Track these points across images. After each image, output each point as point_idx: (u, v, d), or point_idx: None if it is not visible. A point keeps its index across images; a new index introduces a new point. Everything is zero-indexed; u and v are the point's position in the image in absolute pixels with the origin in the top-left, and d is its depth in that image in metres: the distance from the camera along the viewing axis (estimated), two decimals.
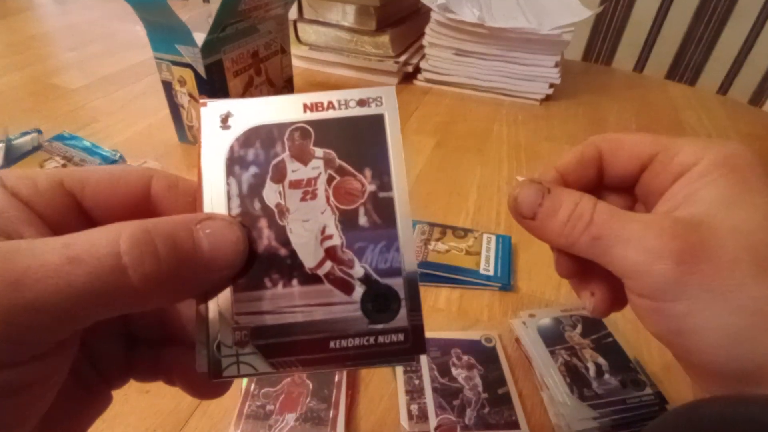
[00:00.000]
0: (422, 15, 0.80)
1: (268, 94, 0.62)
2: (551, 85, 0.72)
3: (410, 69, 0.78)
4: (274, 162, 0.17)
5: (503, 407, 0.31)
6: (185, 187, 0.18)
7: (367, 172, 0.17)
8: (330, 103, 0.18)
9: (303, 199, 0.17)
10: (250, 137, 0.17)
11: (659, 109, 0.75)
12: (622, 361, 0.33)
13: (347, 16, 0.73)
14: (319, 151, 0.17)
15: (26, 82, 0.72)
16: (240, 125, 0.17)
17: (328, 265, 0.17)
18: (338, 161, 0.17)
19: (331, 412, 0.30)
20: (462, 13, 0.69)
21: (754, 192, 0.18)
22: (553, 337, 0.35)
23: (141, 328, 0.19)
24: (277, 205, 0.17)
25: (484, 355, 0.34)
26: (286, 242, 0.17)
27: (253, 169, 0.17)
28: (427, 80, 0.77)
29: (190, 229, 0.15)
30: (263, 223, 0.17)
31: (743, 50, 0.83)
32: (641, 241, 0.18)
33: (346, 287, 0.17)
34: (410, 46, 0.80)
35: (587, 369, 0.32)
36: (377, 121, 0.18)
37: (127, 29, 0.93)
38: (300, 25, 0.77)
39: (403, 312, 0.17)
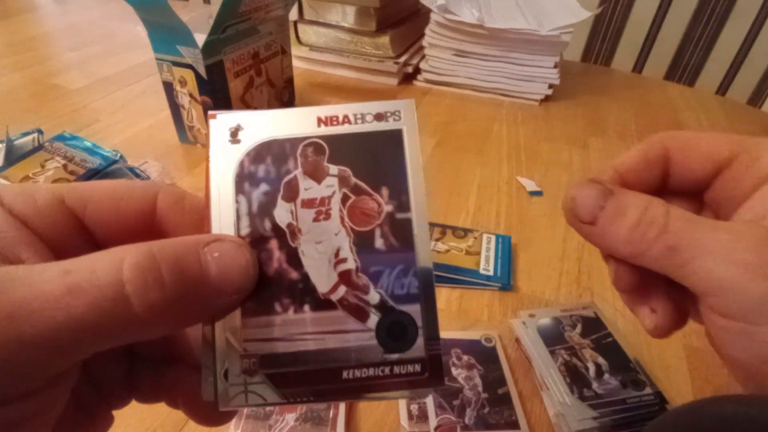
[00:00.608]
0: (422, 16, 0.80)
1: (269, 94, 0.62)
2: (550, 86, 0.73)
3: (410, 70, 0.78)
4: (286, 179, 0.16)
5: (503, 407, 0.31)
6: (192, 204, 0.17)
7: (384, 192, 0.16)
8: (345, 117, 0.17)
9: (316, 220, 0.16)
10: (261, 152, 0.16)
11: (658, 109, 0.76)
12: (622, 361, 0.33)
13: (347, 17, 0.73)
14: (333, 169, 0.16)
15: (27, 83, 0.72)
16: (250, 139, 0.17)
17: (342, 290, 0.16)
18: (354, 179, 0.16)
19: (331, 411, 0.30)
20: (461, 14, 0.69)
21: None
22: (553, 337, 0.35)
23: (144, 347, 0.18)
24: (289, 226, 0.16)
25: (484, 355, 0.34)
26: (297, 265, 0.16)
27: (263, 187, 0.16)
28: (427, 81, 0.77)
29: (198, 253, 0.14)
30: (274, 244, 0.16)
31: (742, 51, 0.83)
32: (731, 254, 0.16)
33: (361, 314, 0.16)
34: (410, 46, 0.80)
35: (587, 369, 0.32)
36: (395, 136, 0.17)
37: (128, 30, 0.93)
38: (300, 26, 0.77)
39: (420, 341, 0.16)
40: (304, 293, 0.16)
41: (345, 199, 0.16)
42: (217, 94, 0.53)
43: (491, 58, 0.72)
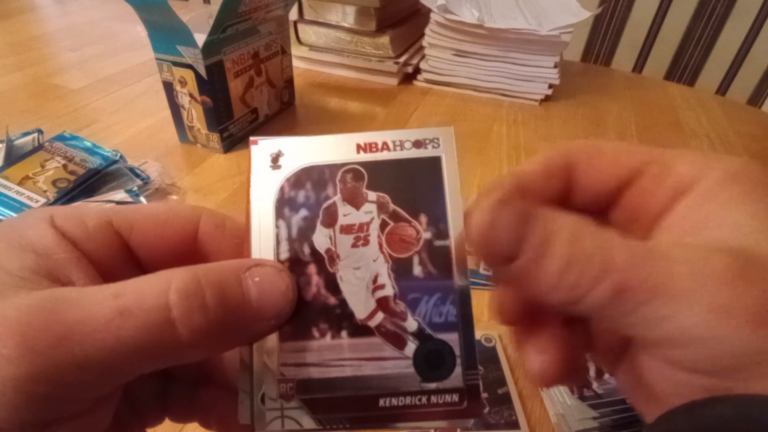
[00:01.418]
0: (422, 16, 0.80)
1: (269, 94, 0.62)
2: (550, 86, 0.73)
3: (410, 70, 0.78)
4: (325, 205, 0.16)
5: (503, 407, 0.31)
6: (233, 228, 0.17)
7: (423, 219, 0.16)
8: (384, 143, 0.17)
9: (354, 245, 0.16)
10: (300, 178, 0.17)
11: (658, 109, 0.75)
12: None
13: (347, 17, 0.73)
14: (372, 195, 0.16)
15: (27, 83, 0.72)
16: (291, 165, 0.17)
17: (380, 316, 0.16)
18: (392, 206, 0.16)
19: None
20: (461, 14, 0.69)
21: None
22: None
23: (178, 368, 0.18)
24: (327, 251, 0.16)
25: (484, 355, 0.34)
26: (335, 290, 0.16)
27: (303, 212, 0.16)
28: (427, 81, 0.77)
29: (240, 277, 0.14)
30: (312, 269, 0.16)
31: (742, 50, 0.83)
32: (701, 294, 0.12)
33: (398, 341, 0.16)
34: (410, 46, 0.80)
35: (587, 369, 0.32)
36: (434, 163, 0.17)
37: (128, 30, 0.93)
38: (300, 26, 0.77)
39: (458, 370, 0.15)
40: (341, 319, 0.16)
41: (383, 225, 0.16)
42: (217, 94, 0.53)
43: (491, 58, 0.72)
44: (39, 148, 0.49)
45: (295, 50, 0.75)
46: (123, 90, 0.71)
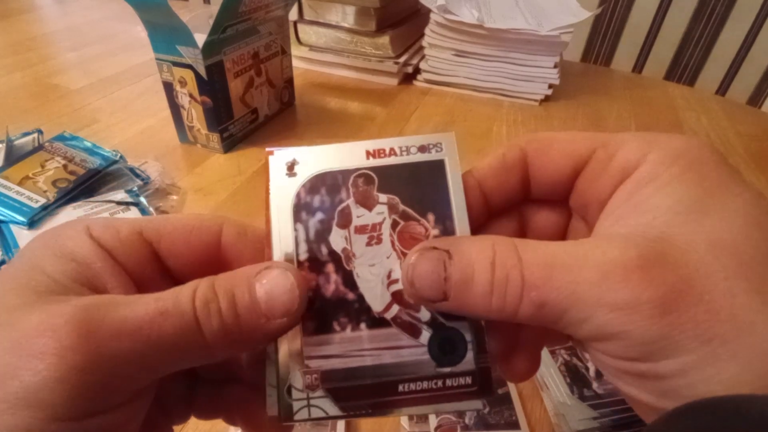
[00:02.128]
0: (422, 16, 0.80)
1: (269, 94, 0.62)
2: (550, 86, 0.73)
3: (410, 70, 0.78)
4: (339, 208, 0.18)
5: (503, 407, 0.31)
6: (254, 234, 0.18)
7: (430, 217, 0.17)
8: (392, 149, 0.18)
9: (369, 244, 0.17)
10: (315, 184, 0.18)
11: (658, 109, 0.76)
12: None
13: (347, 17, 0.73)
14: (382, 197, 0.18)
15: (27, 83, 0.72)
16: (305, 172, 0.18)
17: (395, 308, 0.17)
18: (402, 206, 0.18)
19: None
20: (461, 14, 0.69)
21: (722, 191, 0.14)
22: None
23: (204, 367, 0.19)
24: (344, 250, 0.17)
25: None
26: (353, 286, 0.17)
27: (319, 215, 0.18)
28: (427, 81, 0.77)
29: (249, 282, 0.16)
30: (330, 268, 0.17)
31: (742, 51, 0.83)
32: (605, 296, 0.13)
33: (414, 331, 0.17)
34: (410, 47, 0.80)
35: (587, 369, 0.32)
36: (438, 166, 0.18)
37: (128, 30, 0.93)
38: (300, 26, 0.77)
39: (470, 355, 0.17)
40: (360, 312, 0.17)
41: (395, 224, 0.18)
42: (217, 94, 0.53)
43: (491, 58, 0.72)
44: (39, 148, 0.49)
45: (295, 50, 0.75)
46: (123, 90, 0.71)
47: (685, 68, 0.89)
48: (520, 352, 0.18)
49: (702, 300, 0.13)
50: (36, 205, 0.42)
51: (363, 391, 0.16)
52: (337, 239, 0.17)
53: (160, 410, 0.18)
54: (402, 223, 0.17)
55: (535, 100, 0.74)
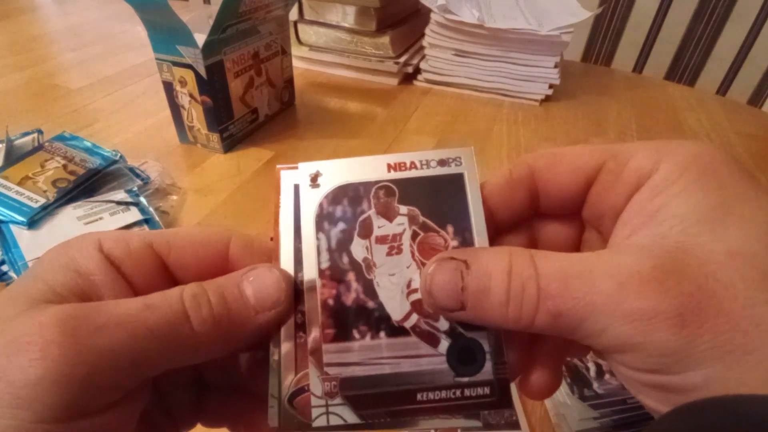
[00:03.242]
0: (422, 16, 0.80)
1: (269, 94, 0.62)
2: (551, 86, 0.73)
3: (410, 70, 0.78)
4: (360, 218, 0.18)
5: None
6: (260, 248, 0.18)
7: (450, 229, 0.18)
8: (412, 163, 0.19)
9: (389, 254, 0.18)
10: (338, 195, 0.18)
11: (659, 109, 0.75)
12: None
13: (347, 17, 0.73)
14: (403, 209, 0.18)
15: (27, 83, 0.72)
16: (329, 184, 0.18)
17: (414, 317, 0.17)
18: (422, 218, 0.18)
19: None
20: (462, 14, 0.69)
21: (739, 198, 0.14)
22: None
23: (210, 376, 0.20)
24: (365, 260, 0.18)
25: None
26: (373, 295, 0.17)
27: (341, 225, 0.18)
28: (427, 81, 0.77)
29: (238, 281, 0.17)
30: (351, 276, 0.18)
31: (742, 50, 0.83)
32: (620, 307, 0.13)
33: (432, 340, 0.17)
34: (410, 46, 0.80)
35: (588, 369, 0.32)
36: (458, 180, 0.18)
37: (128, 30, 0.93)
38: (300, 26, 0.77)
39: (488, 365, 0.17)
40: (379, 321, 0.17)
41: (415, 235, 0.18)
42: (217, 94, 0.53)
43: (491, 58, 0.72)
44: (39, 148, 0.49)
45: (295, 50, 0.75)
46: (123, 90, 0.71)
47: (685, 68, 0.89)
48: (539, 366, 0.18)
49: (722, 310, 0.13)
50: (36, 205, 0.42)
51: (382, 399, 0.16)
52: (358, 249, 0.18)
53: (167, 418, 0.19)
54: (422, 234, 0.18)
55: (536, 100, 0.74)
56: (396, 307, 0.17)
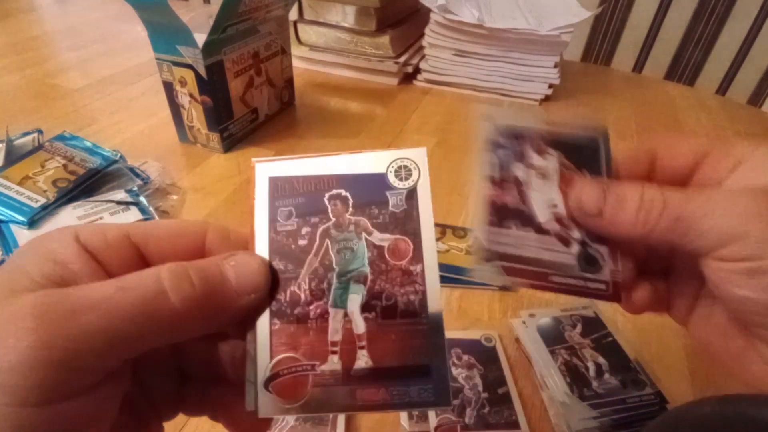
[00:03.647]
0: (422, 16, 0.80)
1: (269, 94, 0.62)
2: (550, 86, 0.73)
3: (410, 69, 0.78)
4: (520, 150, 0.23)
5: (503, 407, 0.31)
6: (237, 238, 0.19)
7: (585, 172, 0.23)
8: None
9: (539, 178, 0.23)
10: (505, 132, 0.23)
11: (658, 109, 0.76)
12: (622, 361, 0.33)
13: (347, 17, 0.73)
14: (552, 151, 0.23)
15: (27, 83, 0.72)
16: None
17: (554, 225, 0.22)
18: (564, 160, 0.23)
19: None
20: (461, 14, 0.69)
21: None
22: (552, 337, 0.35)
23: (191, 366, 0.20)
24: (522, 177, 0.23)
25: (484, 354, 0.34)
26: (526, 202, 0.23)
27: (507, 152, 0.23)
28: (427, 80, 0.77)
29: (218, 264, 0.17)
30: (512, 186, 0.23)
31: (742, 50, 0.83)
32: (731, 208, 0.18)
33: (566, 242, 0.22)
34: (410, 46, 0.80)
35: (587, 369, 0.32)
36: (595, 146, 0.23)
37: (128, 30, 0.93)
38: (300, 26, 0.77)
39: (606, 270, 0.22)
40: (530, 219, 0.22)
41: (559, 169, 0.23)
42: (217, 94, 0.53)
43: (491, 58, 0.72)
44: (39, 148, 0.49)
45: (295, 50, 0.75)
46: (123, 90, 0.71)
47: (685, 68, 0.89)
48: (643, 282, 0.22)
49: None
50: (36, 205, 0.42)
51: (524, 272, 0.22)
52: (517, 169, 0.23)
53: (149, 406, 0.19)
54: (565, 170, 0.22)
55: (536, 100, 0.74)
56: (542, 213, 0.22)
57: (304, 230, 0.19)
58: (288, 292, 0.18)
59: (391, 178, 0.19)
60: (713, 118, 0.73)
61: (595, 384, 0.31)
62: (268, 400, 0.17)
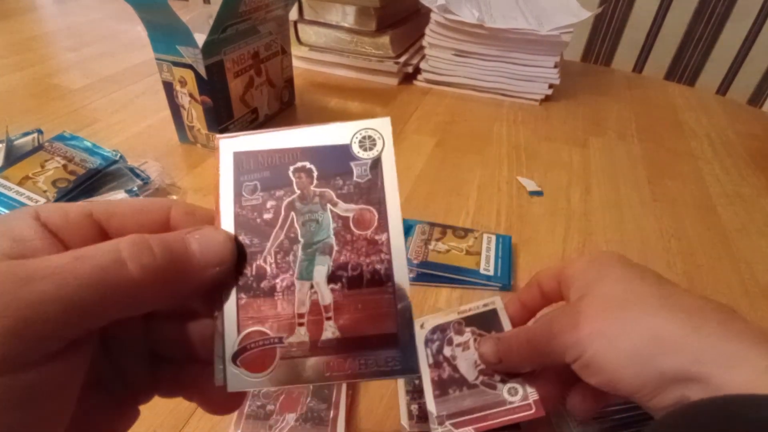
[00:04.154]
0: (422, 16, 0.80)
1: (269, 94, 0.62)
2: (551, 86, 0.73)
3: (410, 69, 0.78)
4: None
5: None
6: (202, 214, 0.19)
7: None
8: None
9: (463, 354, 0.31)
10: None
11: (658, 109, 0.76)
12: None
13: (347, 17, 0.73)
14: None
15: (27, 83, 0.72)
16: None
17: (482, 377, 0.29)
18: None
19: (332, 412, 0.30)
20: (462, 14, 0.69)
21: (611, 270, 0.26)
22: None
23: (163, 346, 0.20)
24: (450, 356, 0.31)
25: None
26: (456, 370, 0.30)
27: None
28: (427, 81, 0.77)
29: (182, 237, 0.17)
30: (446, 367, 0.30)
31: (742, 50, 0.83)
32: (566, 329, 0.25)
33: (493, 387, 0.29)
34: (410, 46, 0.80)
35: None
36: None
37: (128, 30, 0.93)
38: (300, 26, 0.77)
39: (526, 393, 0.28)
40: (464, 381, 0.29)
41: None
42: (217, 94, 0.53)
43: (491, 58, 0.72)
44: (39, 148, 0.49)
45: (295, 50, 0.75)
46: (123, 90, 0.71)
47: (685, 68, 0.89)
48: (575, 390, 0.27)
49: (597, 317, 0.25)
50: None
51: (470, 420, 0.27)
52: (447, 350, 0.31)
53: (124, 389, 0.19)
54: (479, 337, 0.30)
55: (536, 100, 0.74)
56: (471, 374, 0.29)
57: (270, 204, 0.19)
58: (254, 266, 0.18)
59: (356, 149, 0.19)
60: (713, 118, 0.73)
61: None
62: (237, 374, 0.17)
